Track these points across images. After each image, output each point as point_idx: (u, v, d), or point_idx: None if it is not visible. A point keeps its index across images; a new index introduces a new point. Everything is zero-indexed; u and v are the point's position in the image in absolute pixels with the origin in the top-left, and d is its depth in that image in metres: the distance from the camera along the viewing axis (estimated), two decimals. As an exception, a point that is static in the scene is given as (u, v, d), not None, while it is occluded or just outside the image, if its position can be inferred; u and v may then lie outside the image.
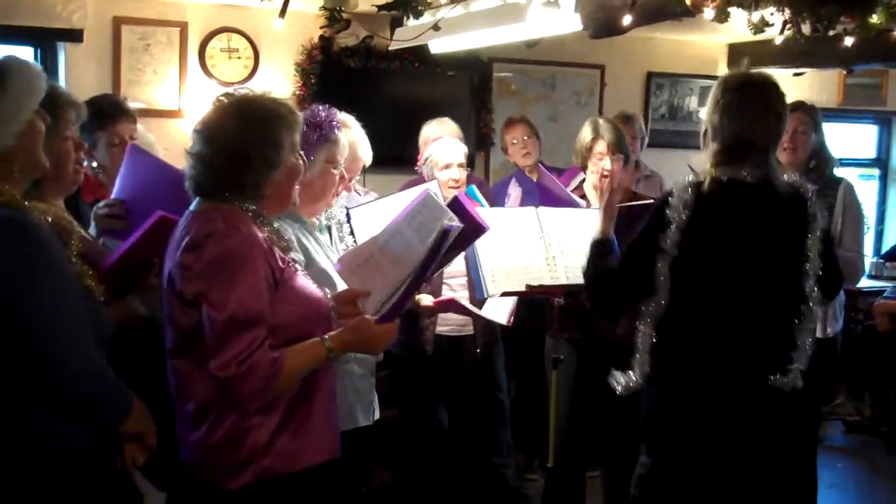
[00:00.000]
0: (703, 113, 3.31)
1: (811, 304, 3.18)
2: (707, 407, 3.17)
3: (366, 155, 3.86)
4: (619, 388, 3.29)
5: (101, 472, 2.51)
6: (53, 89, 2.94)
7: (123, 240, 3.17)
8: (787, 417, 3.28)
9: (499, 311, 4.29)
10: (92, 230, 3.43)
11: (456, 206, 2.90)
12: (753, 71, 3.29)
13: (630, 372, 3.25)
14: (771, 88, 3.22)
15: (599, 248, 3.50)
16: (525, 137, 6.02)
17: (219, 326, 2.49)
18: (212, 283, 2.51)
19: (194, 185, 2.66)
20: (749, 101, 3.16)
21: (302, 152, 2.79)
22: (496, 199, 5.64)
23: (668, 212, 3.11)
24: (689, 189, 3.12)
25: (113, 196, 3.47)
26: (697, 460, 3.23)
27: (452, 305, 3.69)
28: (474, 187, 4.81)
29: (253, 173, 2.62)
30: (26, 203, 2.46)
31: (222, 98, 2.69)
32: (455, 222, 2.79)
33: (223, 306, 2.48)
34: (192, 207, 2.68)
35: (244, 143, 2.60)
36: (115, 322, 2.87)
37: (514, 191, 5.86)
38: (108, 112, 3.87)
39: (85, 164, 3.91)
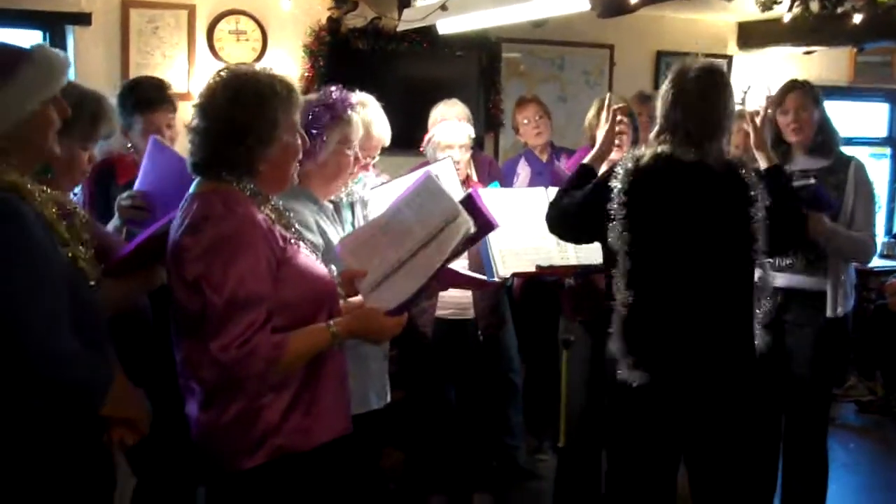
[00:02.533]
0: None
1: (761, 267, 3.48)
2: (682, 374, 3.37)
3: (382, 134, 3.87)
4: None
5: (74, 450, 2.48)
6: (102, 101, 3.01)
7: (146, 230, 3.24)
8: (756, 380, 3.53)
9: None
10: (116, 217, 3.50)
11: (469, 203, 2.89)
12: (703, 60, 3.50)
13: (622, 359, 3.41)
14: (714, 77, 3.45)
15: (583, 174, 3.72)
16: (537, 117, 6.04)
17: (218, 308, 2.49)
18: (210, 265, 2.51)
19: (192, 161, 2.68)
20: (686, 92, 3.40)
21: (305, 132, 2.79)
22: (505, 178, 5.68)
23: (611, 182, 3.37)
24: (630, 162, 3.39)
25: (136, 188, 3.55)
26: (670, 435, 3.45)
27: (449, 278, 3.67)
28: (497, 182, 4.85)
29: (246, 149, 2.61)
30: (29, 186, 2.44)
31: (220, 73, 2.70)
32: (471, 224, 2.82)
33: (221, 288, 2.49)
34: (191, 189, 2.69)
35: (237, 118, 2.59)
36: (141, 290, 2.95)
37: (524, 170, 5.89)
38: (149, 98, 3.93)
39: (120, 144, 4.00)
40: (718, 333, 3.39)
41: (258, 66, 2.75)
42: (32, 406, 2.39)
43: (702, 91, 3.39)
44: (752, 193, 3.39)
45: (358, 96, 3.60)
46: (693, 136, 3.37)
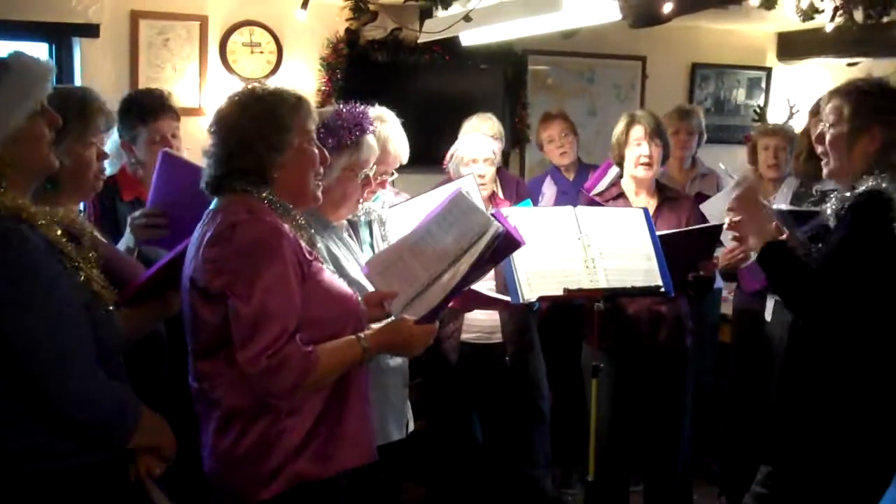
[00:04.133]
0: (837, 116, 3.25)
1: None
2: None
3: (400, 150, 3.86)
4: None
5: (106, 488, 2.47)
6: (86, 93, 2.99)
7: (163, 248, 3.23)
8: None
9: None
10: (127, 237, 3.48)
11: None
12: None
13: None
14: None
15: (776, 253, 3.24)
16: (563, 135, 5.99)
17: (246, 317, 2.50)
18: (238, 273, 2.53)
19: (206, 181, 2.73)
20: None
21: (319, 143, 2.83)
22: (530, 196, 5.65)
23: None
24: None
25: (149, 205, 3.52)
26: None
27: (471, 297, 3.66)
28: (529, 201, 4.83)
29: (256, 156, 2.66)
30: (32, 209, 2.41)
31: (232, 95, 2.77)
32: (500, 227, 2.85)
33: (250, 296, 2.51)
34: (211, 206, 2.72)
35: (246, 127, 2.66)
36: (157, 319, 2.96)
37: (549, 189, 5.86)
38: (151, 107, 3.93)
39: (125, 160, 4.00)
40: None
41: (270, 83, 2.81)
42: (56, 447, 2.38)
43: None
44: None
45: (376, 111, 3.60)
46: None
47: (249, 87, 2.79)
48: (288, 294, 2.55)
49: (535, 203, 5.65)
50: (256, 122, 2.66)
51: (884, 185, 3.04)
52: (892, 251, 3.00)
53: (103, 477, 2.47)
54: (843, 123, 3.20)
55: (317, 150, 2.81)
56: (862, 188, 3.08)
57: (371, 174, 3.39)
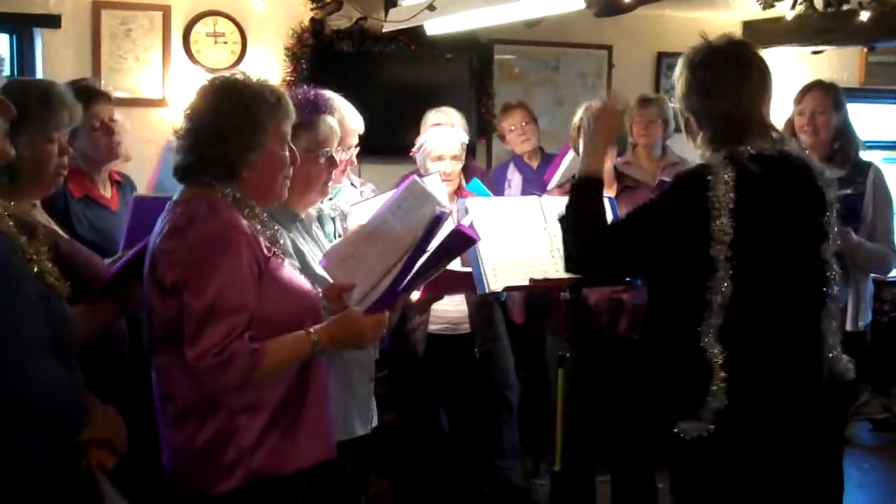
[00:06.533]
0: (676, 99, 3.08)
1: (835, 287, 2.98)
2: (781, 408, 2.91)
3: (355, 124, 3.82)
4: (687, 437, 2.83)
5: (56, 482, 2.44)
6: (50, 86, 2.97)
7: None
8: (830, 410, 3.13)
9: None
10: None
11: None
12: (718, 38, 3.04)
13: (699, 416, 2.81)
14: (743, 50, 3.03)
15: (587, 189, 3.05)
16: (524, 123, 6.09)
17: (197, 313, 2.50)
18: (192, 268, 2.53)
19: (176, 167, 2.72)
20: (726, 72, 2.95)
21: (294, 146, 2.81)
22: (496, 185, 5.67)
23: (710, 195, 2.77)
24: (729, 167, 2.81)
25: (122, 248, 3.53)
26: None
27: (444, 278, 3.58)
28: (478, 180, 4.83)
29: (228, 151, 2.65)
30: None
31: (212, 80, 2.76)
32: (445, 208, 2.86)
33: (203, 292, 2.50)
34: (174, 197, 2.72)
35: (221, 120, 2.65)
36: (118, 313, 2.94)
37: (515, 176, 5.92)
38: (84, 95, 3.91)
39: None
40: (816, 360, 2.97)
41: (247, 73, 2.80)
42: (13, 440, 2.35)
43: (734, 69, 2.93)
44: (821, 186, 2.97)
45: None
46: (749, 125, 2.92)
47: (231, 76, 2.77)
48: (241, 291, 2.54)
49: (502, 190, 5.69)
50: (232, 118, 2.65)
51: (713, 161, 2.85)
52: (686, 228, 2.82)
53: (56, 469, 2.45)
54: (681, 105, 3.05)
55: (288, 153, 2.79)
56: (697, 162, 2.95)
57: (336, 155, 3.32)
